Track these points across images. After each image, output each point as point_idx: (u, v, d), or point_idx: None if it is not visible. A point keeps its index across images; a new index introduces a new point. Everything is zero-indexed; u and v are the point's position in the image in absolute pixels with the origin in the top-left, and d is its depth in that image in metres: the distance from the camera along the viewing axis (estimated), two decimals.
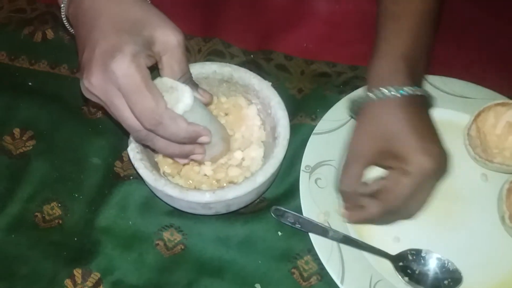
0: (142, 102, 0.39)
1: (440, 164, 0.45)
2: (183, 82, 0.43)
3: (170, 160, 0.50)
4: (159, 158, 0.50)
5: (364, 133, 0.47)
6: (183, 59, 0.42)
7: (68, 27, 0.46)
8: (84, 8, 0.42)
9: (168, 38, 0.41)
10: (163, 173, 0.50)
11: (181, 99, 0.41)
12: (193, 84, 0.45)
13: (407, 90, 0.45)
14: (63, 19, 0.46)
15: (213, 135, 0.45)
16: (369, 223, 0.49)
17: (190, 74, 0.44)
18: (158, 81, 0.42)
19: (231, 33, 0.63)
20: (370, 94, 0.46)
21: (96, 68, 0.39)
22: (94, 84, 0.39)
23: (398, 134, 0.44)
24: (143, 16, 0.41)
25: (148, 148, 0.48)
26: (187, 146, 0.44)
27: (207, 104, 0.46)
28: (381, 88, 0.45)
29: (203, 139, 0.43)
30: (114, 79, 0.38)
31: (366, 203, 0.47)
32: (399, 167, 0.44)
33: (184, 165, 0.50)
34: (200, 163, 0.49)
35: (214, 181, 0.50)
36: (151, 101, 0.39)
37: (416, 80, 0.46)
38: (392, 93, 0.44)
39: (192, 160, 0.47)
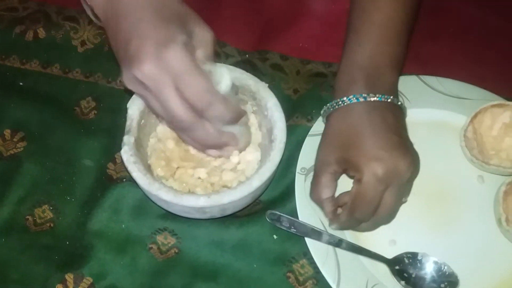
0: (197, 83, 0.41)
1: (394, 168, 0.44)
2: None
3: (163, 163, 0.49)
4: (151, 160, 0.50)
5: (326, 143, 0.48)
6: (212, 54, 0.46)
7: (94, 19, 0.47)
8: (125, 2, 0.43)
9: (205, 34, 0.44)
10: (157, 176, 0.49)
11: (221, 79, 0.44)
12: None
13: (362, 97, 0.46)
14: (87, 9, 0.47)
15: (242, 128, 0.48)
16: (352, 229, 0.49)
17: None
18: None
19: (226, 33, 0.62)
20: (329, 105, 0.48)
21: (148, 57, 0.40)
22: (146, 73, 0.41)
23: (352, 143, 0.46)
24: (185, 11, 0.44)
25: (186, 141, 0.49)
26: (225, 136, 0.46)
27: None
28: (338, 99, 0.47)
29: (244, 118, 0.47)
30: (167, 67, 0.40)
31: (339, 211, 0.48)
32: (355, 175, 0.45)
33: (177, 168, 0.50)
34: (226, 157, 0.50)
35: (208, 185, 0.49)
36: (205, 82, 0.42)
37: (379, 88, 0.47)
38: (346, 103, 0.46)
39: (220, 155, 0.49)
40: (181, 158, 0.51)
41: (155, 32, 0.41)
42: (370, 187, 0.44)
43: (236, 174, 0.49)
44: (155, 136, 0.51)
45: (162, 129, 0.52)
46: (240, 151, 0.50)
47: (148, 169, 0.49)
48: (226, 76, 0.45)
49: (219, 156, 0.50)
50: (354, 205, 0.45)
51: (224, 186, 0.49)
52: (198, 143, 0.47)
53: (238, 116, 0.46)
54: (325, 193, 0.47)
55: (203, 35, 0.44)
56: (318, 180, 0.47)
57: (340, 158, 0.46)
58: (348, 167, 0.46)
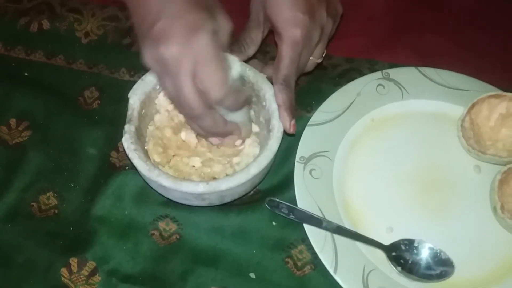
0: (216, 74, 0.42)
1: (308, 33, 0.49)
2: None
3: (160, 149, 0.50)
4: (149, 146, 0.51)
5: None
6: (228, 44, 0.46)
7: None
8: None
9: (226, 24, 0.44)
10: (153, 161, 0.50)
11: (232, 66, 0.45)
12: None
13: None
14: None
15: (245, 117, 0.49)
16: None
17: None
18: None
19: None
20: None
21: (175, 38, 0.40)
22: (170, 53, 0.41)
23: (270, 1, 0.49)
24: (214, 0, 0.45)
25: (191, 127, 0.50)
26: (230, 126, 0.48)
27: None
28: None
29: (246, 110, 0.48)
30: (192, 52, 0.40)
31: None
32: (276, 39, 0.50)
33: (173, 155, 0.51)
34: (227, 146, 0.51)
35: (201, 174, 0.50)
36: (224, 74, 0.42)
37: None
38: None
39: (222, 143, 0.50)
40: (177, 147, 0.52)
41: (187, 14, 0.41)
42: (289, 48, 0.49)
43: (224, 167, 0.50)
44: (153, 124, 0.52)
45: (160, 118, 0.53)
46: (242, 141, 0.51)
47: (146, 155, 0.49)
48: (236, 63, 0.45)
49: (221, 145, 0.51)
50: (283, 66, 0.49)
51: (213, 178, 0.50)
52: (204, 130, 0.48)
53: (244, 105, 0.47)
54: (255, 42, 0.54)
55: (224, 25, 0.44)
56: (248, 32, 0.54)
57: (264, 15, 0.51)
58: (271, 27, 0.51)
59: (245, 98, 0.47)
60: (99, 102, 0.58)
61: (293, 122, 0.49)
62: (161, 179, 0.45)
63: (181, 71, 0.41)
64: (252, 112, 0.54)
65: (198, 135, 0.51)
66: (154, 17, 0.42)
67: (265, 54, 0.61)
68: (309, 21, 0.49)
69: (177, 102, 0.45)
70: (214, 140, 0.50)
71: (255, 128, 0.53)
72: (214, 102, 0.43)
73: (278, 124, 0.50)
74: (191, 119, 0.47)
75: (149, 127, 0.52)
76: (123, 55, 0.61)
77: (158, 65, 0.43)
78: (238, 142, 0.51)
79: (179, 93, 0.43)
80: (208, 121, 0.46)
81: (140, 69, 0.59)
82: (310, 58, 0.53)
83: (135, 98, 0.50)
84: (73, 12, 0.64)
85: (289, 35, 0.49)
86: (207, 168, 0.50)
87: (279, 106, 0.50)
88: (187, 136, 0.52)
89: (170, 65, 0.41)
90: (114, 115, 0.55)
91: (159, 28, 0.41)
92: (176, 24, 0.41)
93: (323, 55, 0.55)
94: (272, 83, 0.51)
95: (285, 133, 0.50)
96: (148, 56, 0.43)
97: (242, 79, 0.49)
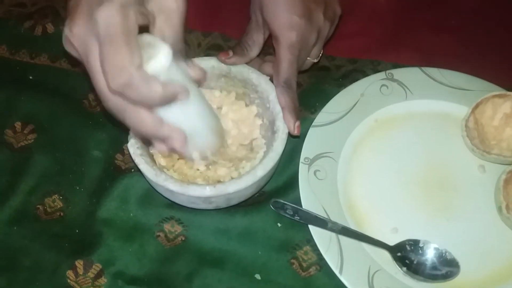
0: (114, 56, 0.34)
1: (304, 36, 0.49)
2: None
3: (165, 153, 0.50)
4: (154, 150, 0.51)
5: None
6: (178, 27, 0.38)
7: None
8: None
9: (168, 1, 0.37)
10: (159, 165, 0.50)
11: (154, 56, 0.35)
12: (183, 57, 0.40)
13: None
14: None
15: (199, 124, 0.41)
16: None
17: (183, 46, 0.40)
18: (137, 36, 0.36)
19: (231, 27, 0.63)
20: None
21: (80, 16, 0.35)
22: (74, 33, 0.35)
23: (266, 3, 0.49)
24: None
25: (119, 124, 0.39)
26: (164, 127, 0.38)
27: (197, 82, 0.41)
28: None
29: (180, 96, 0.38)
30: (95, 29, 0.34)
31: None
32: (274, 43, 0.50)
33: (178, 159, 0.51)
34: (185, 158, 0.46)
35: (206, 177, 0.50)
36: (125, 57, 0.34)
37: None
38: None
39: (172, 151, 0.41)
40: None
41: None
42: (287, 51, 0.49)
43: (229, 170, 0.50)
44: None
45: None
46: (202, 158, 0.46)
47: (152, 159, 0.50)
48: (162, 51, 0.36)
49: (168, 154, 0.46)
50: (282, 68, 0.50)
51: (218, 181, 0.50)
52: (132, 131, 0.41)
53: (170, 96, 0.37)
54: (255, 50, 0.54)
55: (167, 6, 0.37)
56: (251, 37, 0.53)
57: (262, 20, 0.51)
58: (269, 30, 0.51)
59: (169, 93, 0.36)
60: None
61: (297, 124, 0.49)
62: (168, 184, 0.45)
63: (88, 53, 0.35)
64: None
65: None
66: None
67: (266, 55, 0.61)
68: (305, 24, 0.49)
69: (96, 91, 0.37)
70: (158, 146, 0.41)
71: (256, 132, 0.53)
72: (115, 90, 0.35)
73: (283, 126, 0.50)
74: (115, 114, 0.38)
75: None
76: None
77: (71, 48, 0.37)
78: (196, 155, 0.44)
79: (92, 79, 0.36)
80: (131, 118, 0.37)
81: None
82: (307, 58, 0.53)
83: None
84: None
85: (286, 38, 0.49)
86: (211, 172, 0.50)
87: (282, 108, 0.50)
88: None
89: (78, 47, 0.36)
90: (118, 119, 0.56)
91: (70, 5, 0.36)
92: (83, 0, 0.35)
93: (320, 55, 0.55)
94: (272, 82, 0.51)
95: (290, 135, 0.50)
96: (64, 40, 0.37)
97: (174, 68, 0.37)
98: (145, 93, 0.35)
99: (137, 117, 0.37)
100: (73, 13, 0.35)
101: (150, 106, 0.37)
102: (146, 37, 0.37)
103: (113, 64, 0.34)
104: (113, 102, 0.36)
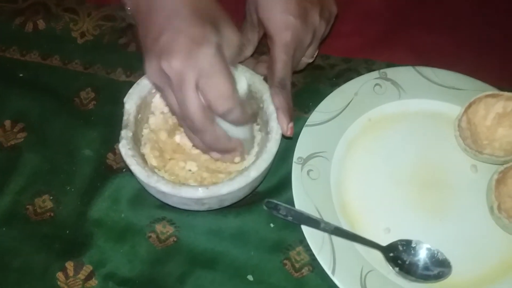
0: (223, 86, 0.41)
1: (299, 37, 0.49)
2: None
3: (157, 153, 0.50)
4: (146, 150, 0.50)
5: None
6: (236, 58, 0.46)
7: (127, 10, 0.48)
8: None
9: (233, 37, 0.44)
10: (150, 165, 0.50)
11: (239, 80, 0.44)
12: None
13: None
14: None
15: (248, 135, 0.48)
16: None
17: None
18: None
19: None
20: None
21: (179, 51, 0.40)
22: (174, 66, 0.40)
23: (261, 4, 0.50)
24: (219, 12, 0.44)
25: (193, 143, 0.49)
26: (233, 142, 0.47)
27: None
28: None
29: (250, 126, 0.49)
30: (196, 65, 0.40)
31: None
32: (269, 42, 0.50)
33: (169, 159, 0.50)
34: (227, 161, 0.51)
35: (199, 178, 0.50)
36: (230, 86, 0.42)
37: None
38: None
39: (222, 158, 0.50)
40: (173, 150, 0.51)
41: (190, 28, 0.41)
42: (281, 52, 0.49)
43: (225, 175, 0.50)
44: (148, 127, 0.52)
45: (155, 120, 0.52)
46: (243, 156, 0.50)
47: (143, 159, 0.49)
48: (243, 79, 0.45)
49: (220, 159, 0.50)
50: (276, 68, 0.50)
51: (212, 182, 0.49)
52: (206, 145, 0.47)
53: (250, 121, 0.47)
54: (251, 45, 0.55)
55: (231, 38, 0.44)
56: (246, 33, 0.54)
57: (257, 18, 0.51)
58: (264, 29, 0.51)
59: (251, 113, 0.47)
60: (95, 103, 0.58)
61: (290, 125, 0.49)
62: (160, 185, 0.45)
63: (184, 84, 0.41)
64: (256, 127, 0.53)
65: (199, 150, 0.51)
66: (159, 30, 0.42)
67: (261, 55, 0.61)
68: (301, 24, 0.49)
69: (180, 116, 0.44)
70: (214, 154, 0.50)
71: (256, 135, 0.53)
72: (219, 115, 0.43)
73: (276, 126, 0.49)
74: (194, 133, 0.46)
75: (144, 130, 0.52)
76: (119, 55, 0.61)
77: (161, 79, 0.42)
78: (238, 159, 0.50)
79: (182, 105, 0.42)
80: (211, 136, 0.45)
81: (136, 70, 0.59)
82: (302, 58, 0.53)
83: (131, 103, 0.50)
84: (68, 12, 0.63)
85: (281, 38, 0.49)
86: (206, 173, 0.50)
87: (276, 109, 0.49)
88: (182, 139, 0.51)
89: (173, 79, 0.41)
90: (111, 116, 0.55)
91: (163, 41, 0.41)
92: (180, 38, 0.41)
93: (315, 55, 0.55)
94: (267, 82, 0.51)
95: (283, 136, 0.50)
96: (151, 70, 0.43)
97: (249, 93, 0.48)
98: (244, 114, 0.44)
99: (215, 135, 0.45)
100: (170, 50, 0.41)
101: (241, 124, 0.46)
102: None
103: (220, 92, 0.42)
104: (199, 126, 0.43)
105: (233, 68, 0.44)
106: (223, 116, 0.43)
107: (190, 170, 0.50)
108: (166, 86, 0.43)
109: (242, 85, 0.45)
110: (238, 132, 0.47)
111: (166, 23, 0.42)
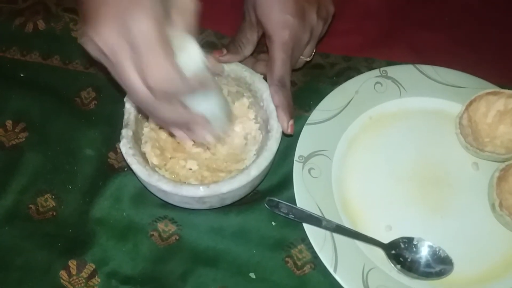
0: (158, 65, 0.36)
1: (297, 35, 0.50)
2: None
3: (158, 152, 0.50)
4: (147, 149, 0.50)
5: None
6: (192, 26, 0.40)
7: None
8: None
9: (186, 1, 0.39)
10: (151, 164, 0.50)
11: (184, 48, 0.38)
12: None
13: None
14: None
15: (217, 110, 0.43)
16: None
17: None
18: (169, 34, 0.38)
19: (224, 24, 0.62)
20: None
21: (110, 21, 0.35)
22: (105, 38, 0.36)
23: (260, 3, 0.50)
24: None
25: (145, 115, 0.47)
26: (192, 115, 0.42)
27: (215, 74, 0.45)
28: None
29: (209, 85, 0.41)
30: (128, 37, 0.35)
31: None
32: (267, 41, 0.50)
33: (170, 158, 0.50)
34: (202, 145, 0.49)
35: (200, 176, 0.50)
36: (168, 65, 0.36)
37: None
38: None
39: (191, 136, 0.45)
40: (173, 149, 0.51)
41: None
42: (280, 50, 0.49)
43: (226, 174, 0.50)
44: (148, 125, 0.52)
45: None
46: (217, 138, 0.46)
47: (144, 158, 0.49)
48: (190, 45, 0.38)
49: (192, 142, 0.49)
50: (275, 67, 0.50)
51: (213, 180, 0.49)
52: (162, 121, 0.43)
53: (199, 88, 0.40)
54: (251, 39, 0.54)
55: (183, 2, 0.39)
56: (245, 36, 0.54)
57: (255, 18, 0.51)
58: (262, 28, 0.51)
59: (205, 84, 0.40)
60: (96, 102, 0.58)
61: (291, 122, 0.49)
62: (161, 184, 0.45)
63: (121, 59, 0.36)
64: (256, 126, 0.52)
65: (159, 127, 0.49)
66: None
67: (259, 54, 0.61)
68: (298, 23, 0.49)
69: (127, 92, 0.39)
70: (178, 132, 0.44)
71: (253, 128, 0.53)
72: (160, 94, 0.38)
73: (277, 125, 0.49)
74: (145, 109, 0.41)
75: (144, 128, 0.52)
76: None
77: (97, 52, 0.37)
78: (210, 138, 0.45)
79: (123, 83, 0.38)
80: (163, 111, 0.40)
81: None
82: (300, 57, 0.53)
83: (131, 102, 0.50)
84: (68, 12, 0.63)
85: (279, 37, 0.49)
86: (207, 172, 0.50)
87: (276, 107, 0.50)
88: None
89: (107, 53, 0.36)
90: (112, 116, 0.55)
91: (94, 7, 0.36)
92: (111, 4, 0.35)
93: (312, 54, 0.55)
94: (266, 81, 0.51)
95: (284, 134, 0.50)
96: (86, 41, 0.37)
97: (202, 62, 0.40)
98: (182, 86, 0.38)
99: (169, 108, 0.40)
100: (97, 17, 0.36)
101: (184, 96, 0.40)
102: (176, 39, 0.38)
103: (158, 73, 0.36)
104: (146, 96, 0.38)
105: (187, 37, 0.39)
106: (165, 97, 0.38)
107: (190, 169, 0.50)
108: (105, 60, 0.38)
109: (190, 50, 0.38)
110: (199, 106, 0.42)
111: None
